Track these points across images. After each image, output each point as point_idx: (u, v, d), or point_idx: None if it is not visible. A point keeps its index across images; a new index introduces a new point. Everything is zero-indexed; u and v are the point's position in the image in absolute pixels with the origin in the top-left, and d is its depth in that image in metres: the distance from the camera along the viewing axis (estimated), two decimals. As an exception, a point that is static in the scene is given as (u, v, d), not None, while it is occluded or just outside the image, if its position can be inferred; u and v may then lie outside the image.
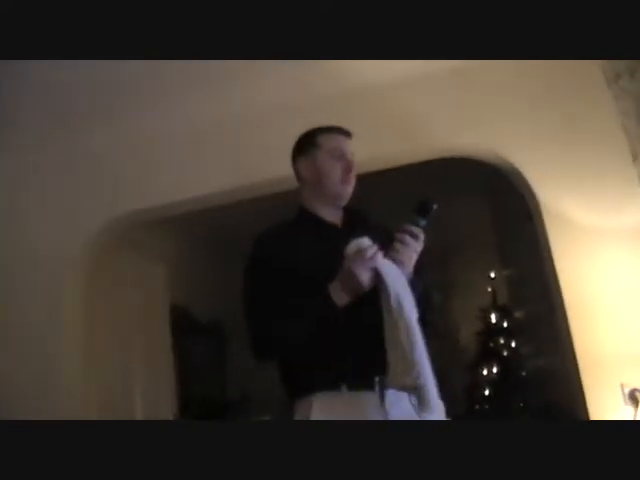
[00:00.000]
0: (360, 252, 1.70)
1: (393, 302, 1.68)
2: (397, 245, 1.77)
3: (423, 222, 1.79)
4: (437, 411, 1.65)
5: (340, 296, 1.73)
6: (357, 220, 2.01)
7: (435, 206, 1.79)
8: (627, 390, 2.80)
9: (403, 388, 1.69)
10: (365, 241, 1.73)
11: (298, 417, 1.80)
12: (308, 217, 1.99)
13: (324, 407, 1.74)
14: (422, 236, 1.79)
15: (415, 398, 1.67)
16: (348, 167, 1.96)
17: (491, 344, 5.89)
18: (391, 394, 1.73)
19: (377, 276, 1.71)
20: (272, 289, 1.83)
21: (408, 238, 1.77)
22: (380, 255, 1.71)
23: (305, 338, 1.78)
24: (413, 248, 1.78)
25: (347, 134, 2.03)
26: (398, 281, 1.71)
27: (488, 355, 5.86)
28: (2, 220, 3.86)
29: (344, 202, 2.00)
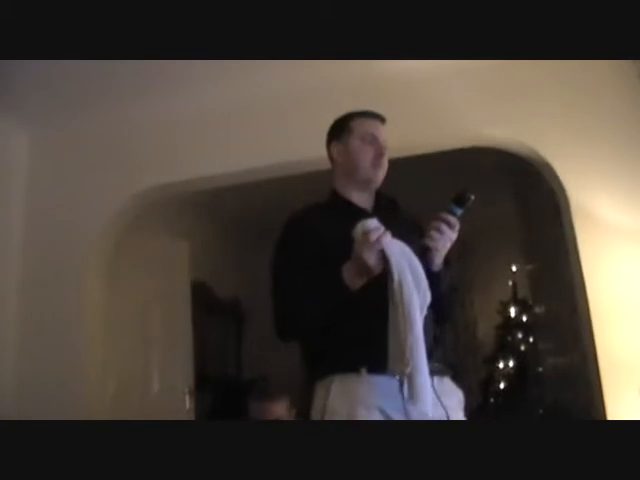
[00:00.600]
0: (366, 234, 1.67)
1: (395, 285, 1.66)
2: (433, 233, 1.77)
3: (460, 211, 1.79)
4: (426, 403, 1.62)
5: (352, 279, 1.72)
6: (388, 206, 2.01)
7: (472, 197, 1.79)
8: (646, 393, 2.77)
9: (396, 374, 1.67)
10: (372, 222, 1.70)
11: (317, 399, 1.80)
12: (339, 200, 2.00)
13: (343, 389, 1.75)
14: (458, 225, 1.78)
15: (405, 387, 1.64)
16: (380, 152, 1.96)
17: (509, 338, 5.85)
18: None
19: (385, 258, 1.68)
20: (299, 270, 1.84)
21: (444, 226, 1.76)
22: (387, 236, 1.67)
23: (321, 320, 1.79)
24: (448, 237, 1.78)
25: (381, 119, 2.03)
26: (405, 264, 1.68)
27: (505, 349, 5.84)
28: (21, 198, 3.89)
29: (376, 186, 2.00)
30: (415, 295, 1.66)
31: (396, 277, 1.66)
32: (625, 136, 3.13)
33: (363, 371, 1.73)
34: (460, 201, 1.80)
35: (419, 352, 1.62)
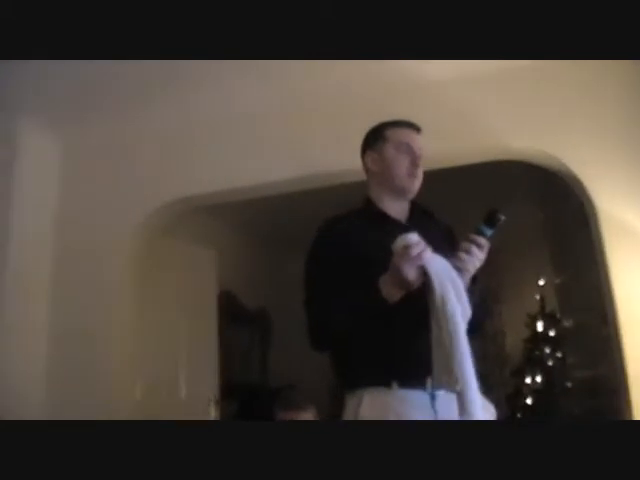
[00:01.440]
0: (406, 248, 1.67)
1: (438, 301, 1.65)
2: (462, 255, 1.76)
3: (489, 232, 1.78)
4: (476, 417, 1.60)
5: (389, 291, 1.71)
6: (422, 217, 2.01)
7: (503, 217, 1.78)
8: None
9: (443, 389, 1.68)
10: (413, 237, 1.69)
11: (348, 410, 1.80)
12: (373, 210, 2.00)
13: (374, 403, 1.75)
14: (487, 246, 1.78)
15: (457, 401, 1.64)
16: (415, 161, 1.96)
17: (537, 352, 5.82)
18: (443, 395, 1.72)
19: (425, 273, 1.68)
20: (331, 278, 1.84)
21: (474, 248, 1.76)
22: (428, 252, 1.67)
23: (355, 330, 1.78)
24: (477, 257, 1.77)
25: (416, 128, 2.03)
26: (446, 280, 1.67)
27: (533, 363, 5.80)
28: (52, 204, 3.94)
29: (411, 196, 2.00)
30: (459, 310, 1.66)
31: (439, 292, 1.65)
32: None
33: (394, 385, 1.73)
34: (490, 222, 1.79)
35: (467, 367, 1.61)
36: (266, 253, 6.61)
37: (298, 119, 3.65)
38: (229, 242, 5.78)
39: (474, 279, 1.85)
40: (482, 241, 1.77)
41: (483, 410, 1.79)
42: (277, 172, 3.65)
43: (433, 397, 1.71)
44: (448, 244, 1.93)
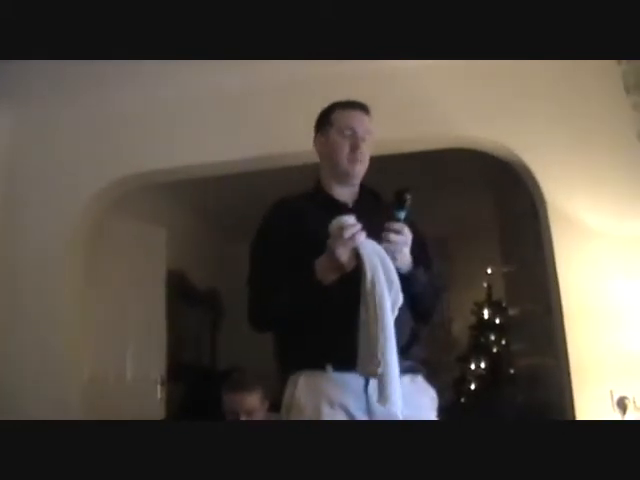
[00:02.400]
0: (340, 230, 1.66)
1: (368, 284, 1.65)
2: (385, 245, 1.73)
3: (401, 214, 1.75)
4: (396, 404, 1.60)
5: (324, 274, 1.71)
6: (370, 200, 1.99)
7: (409, 196, 1.75)
8: (616, 397, 2.81)
9: (367, 374, 1.66)
10: (348, 219, 1.68)
11: (286, 393, 1.80)
12: (320, 193, 1.99)
13: (309, 386, 1.74)
14: (405, 228, 1.75)
15: (375, 387, 1.64)
16: (355, 145, 1.93)
17: (482, 339, 5.92)
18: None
19: (358, 256, 1.68)
20: (275, 259, 1.84)
21: (392, 236, 1.73)
22: (362, 235, 1.66)
23: (289, 312, 1.80)
24: (400, 242, 1.74)
25: (362, 108, 2.00)
26: (378, 264, 1.67)
27: (478, 350, 5.90)
28: (3, 182, 3.83)
29: (355, 181, 1.98)
30: (387, 295, 1.65)
31: (369, 276, 1.65)
32: (603, 141, 3.17)
33: (329, 368, 1.73)
34: (400, 204, 1.76)
35: (391, 353, 1.60)
36: (217, 233, 6.56)
37: (251, 100, 3.62)
38: (180, 221, 5.71)
39: (422, 263, 1.86)
40: (397, 226, 1.74)
41: (422, 394, 1.82)
42: (229, 152, 3.62)
43: (367, 381, 1.70)
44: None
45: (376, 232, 1.74)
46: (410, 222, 1.89)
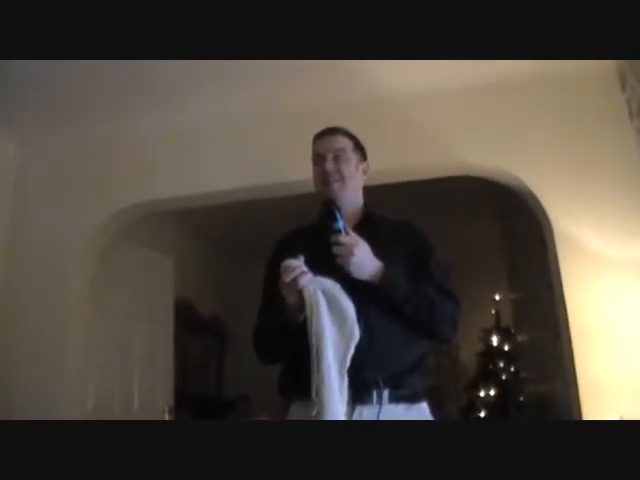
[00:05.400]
0: (283, 273, 1.69)
1: (308, 326, 1.66)
2: (338, 259, 1.74)
3: (337, 225, 1.76)
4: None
5: (291, 311, 1.74)
6: (368, 227, 1.96)
7: (334, 206, 1.78)
8: (626, 423, 2.78)
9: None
10: (292, 262, 1.69)
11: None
12: (320, 223, 1.96)
13: (300, 414, 1.76)
14: (349, 237, 1.74)
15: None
16: (323, 169, 1.94)
17: (491, 366, 5.87)
18: (361, 408, 1.71)
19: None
20: (272, 292, 1.83)
21: (336, 248, 1.73)
22: (306, 277, 1.67)
23: (272, 346, 1.86)
24: (347, 252, 1.72)
25: (331, 131, 2.01)
26: (322, 303, 1.67)
27: (487, 377, 5.85)
28: (7, 206, 3.85)
29: (340, 204, 1.89)
30: (327, 333, 1.65)
31: (308, 317, 1.66)
32: (609, 166, 3.17)
33: (314, 398, 1.70)
34: (329, 215, 1.77)
35: (325, 392, 1.60)
36: (223, 261, 6.57)
37: (256, 130, 3.65)
38: (186, 249, 5.73)
39: (426, 276, 1.85)
40: (339, 239, 1.74)
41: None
42: (235, 180, 3.64)
43: (353, 409, 1.70)
44: (400, 238, 1.94)
45: (377, 251, 1.74)
46: (410, 226, 1.96)
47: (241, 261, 6.28)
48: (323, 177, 1.94)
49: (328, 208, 1.79)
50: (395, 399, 1.73)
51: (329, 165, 1.94)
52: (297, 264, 1.69)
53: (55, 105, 3.55)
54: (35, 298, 3.66)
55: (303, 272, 1.68)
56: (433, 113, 3.43)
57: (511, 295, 5.70)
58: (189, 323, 5.50)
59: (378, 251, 1.77)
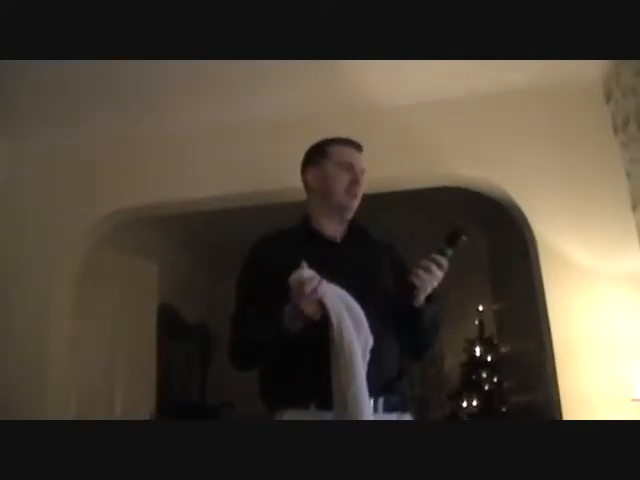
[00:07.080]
0: (301, 285, 1.66)
1: (335, 334, 1.65)
2: (421, 272, 1.75)
3: (450, 252, 1.79)
4: None
5: (292, 322, 1.70)
6: (358, 236, 1.99)
7: (464, 237, 1.79)
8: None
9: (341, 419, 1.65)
10: (307, 272, 1.68)
11: None
12: (308, 228, 1.98)
13: None
14: (446, 265, 1.78)
15: None
16: (355, 179, 1.94)
17: (474, 376, 5.89)
18: None
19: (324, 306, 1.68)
20: (250, 299, 1.84)
21: (434, 267, 1.76)
22: (324, 285, 1.66)
23: (256, 355, 1.83)
24: (435, 276, 1.77)
25: (358, 147, 2.01)
26: (343, 311, 1.67)
27: (470, 387, 5.87)
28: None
29: (349, 215, 1.97)
30: (356, 342, 1.65)
31: (336, 326, 1.65)
32: (594, 179, 3.20)
33: (312, 407, 1.72)
34: (452, 241, 1.79)
35: (362, 402, 1.60)
36: (208, 268, 6.55)
37: (243, 136, 3.65)
38: (171, 256, 5.71)
39: (429, 298, 1.85)
40: (442, 260, 1.77)
41: None
42: (221, 187, 3.63)
43: None
44: (390, 260, 1.95)
45: (363, 267, 1.74)
46: (395, 249, 1.98)
47: (226, 268, 6.26)
48: (352, 186, 1.94)
49: (458, 236, 1.80)
50: (389, 408, 1.75)
51: (361, 179, 1.96)
52: (311, 274, 1.67)
53: (46, 109, 3.51)
54: (17, 304, 3.63)
55: (320, 281, 1.66)
56: (419, 124, 3.45)
57: (494, 306, 5.71)
58: (173, 329, 5.47)
59: (368, 259, 1.78)
